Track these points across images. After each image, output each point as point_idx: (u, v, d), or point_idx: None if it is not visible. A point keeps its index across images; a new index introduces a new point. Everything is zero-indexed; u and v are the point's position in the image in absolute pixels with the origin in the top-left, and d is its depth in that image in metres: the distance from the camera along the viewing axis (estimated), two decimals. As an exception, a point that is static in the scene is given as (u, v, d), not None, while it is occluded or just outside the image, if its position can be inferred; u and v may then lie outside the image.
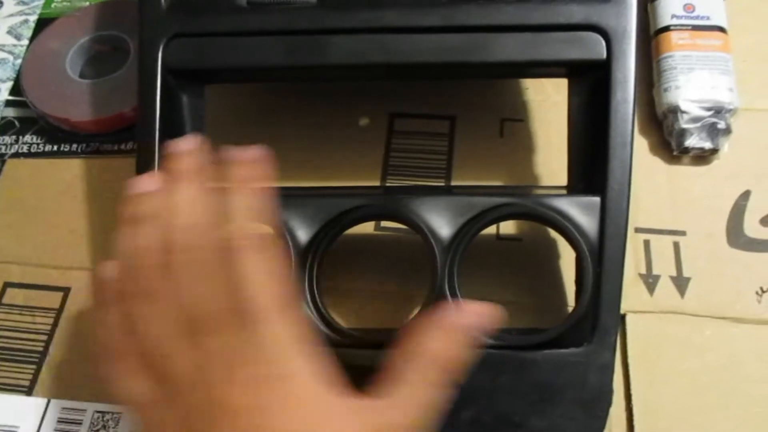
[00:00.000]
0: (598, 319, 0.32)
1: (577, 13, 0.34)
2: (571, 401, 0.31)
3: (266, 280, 0.24)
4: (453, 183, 0.41)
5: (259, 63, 0.36)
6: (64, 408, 0.36)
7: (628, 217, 0.33)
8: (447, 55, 0.35)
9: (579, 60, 0.35)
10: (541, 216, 0.32)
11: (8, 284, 0.39)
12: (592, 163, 0.34)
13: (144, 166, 0.35)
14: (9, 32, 0.50)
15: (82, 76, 0.46)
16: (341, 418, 0.24)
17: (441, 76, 0.39)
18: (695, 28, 0.41)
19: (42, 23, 0.49)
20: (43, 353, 0.37)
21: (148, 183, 0.28)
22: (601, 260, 0.32)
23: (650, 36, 0.43)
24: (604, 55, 0.34)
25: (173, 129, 0.36)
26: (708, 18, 0.41)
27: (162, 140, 0.35)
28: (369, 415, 0.24)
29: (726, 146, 0.40)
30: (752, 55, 0.43)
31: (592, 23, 0.34)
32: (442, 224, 0.33)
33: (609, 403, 0.31)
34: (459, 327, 0.26)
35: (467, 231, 0.33)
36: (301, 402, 0.23)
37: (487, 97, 0.43)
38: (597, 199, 0.33)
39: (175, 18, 0.36)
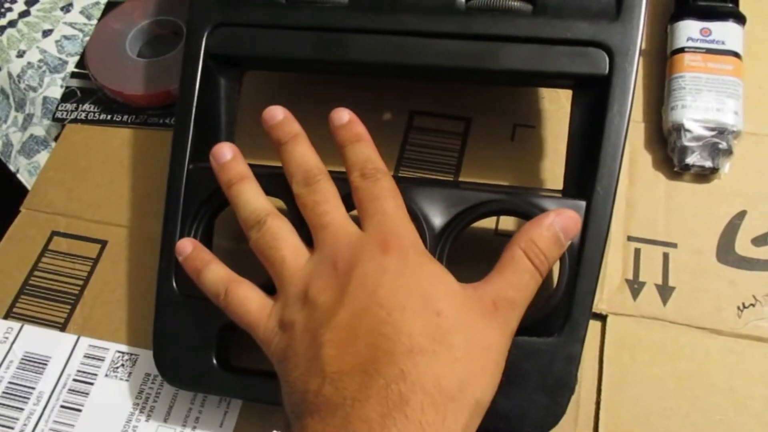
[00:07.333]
0: (570, 314, 0.34)
1: (585, 30, 0.37)
2: (535, 386, 0.33)
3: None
4: (460, 179, 0.43)
5: (288, 55, 0.39)
6: (90, 345, 0.40)
7: (610, 222, 0.35)
8: (460, 60, 0.38)
9: (582, 73, 0.37)
10: (528, 213, 0.35)
11: (55, 233, 0.44)
12: (585, 171, 0.36)
13: (181, 133, 0.39)
14: (81, 12, 0.56)
15: (140, 55, 0.51)
16: (464, 293, 0.30)
17: (454, 79, 0.42)
18: (709, 51, 0.42)
19: (110, 5, 0.55)
20: (78, 296, 0.42)
21: None
22: (580, 260, 0.34)
23: (667, 56, 0.44)
24: (606, 71, 0.36)
25: (209, 107, 0.40)
26: (723, 43, 0.43)
27: (198, 115, 0.40)
28: (486, 289, 0.31)
29: (727, 167, 0.41)
30: (768, 82, 0.44)
31: (598, 40, 0.37)
32: (436, 213, 0.36)
33: (571, 392, 0.33)
34: (553, 225, 0.32)
35: (459, 221, 0.35)
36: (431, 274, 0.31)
37: (502, 103, 0.45)
38: (583, 203, 0.35)
39: (220, 8, 0.40)
